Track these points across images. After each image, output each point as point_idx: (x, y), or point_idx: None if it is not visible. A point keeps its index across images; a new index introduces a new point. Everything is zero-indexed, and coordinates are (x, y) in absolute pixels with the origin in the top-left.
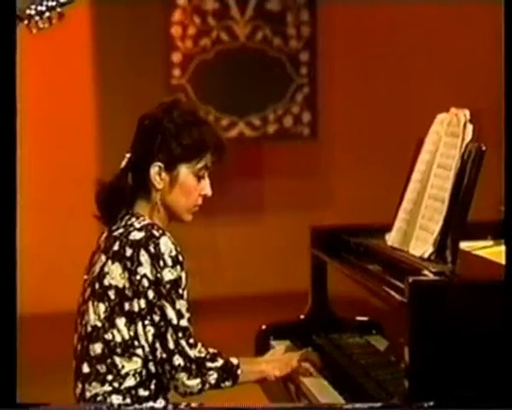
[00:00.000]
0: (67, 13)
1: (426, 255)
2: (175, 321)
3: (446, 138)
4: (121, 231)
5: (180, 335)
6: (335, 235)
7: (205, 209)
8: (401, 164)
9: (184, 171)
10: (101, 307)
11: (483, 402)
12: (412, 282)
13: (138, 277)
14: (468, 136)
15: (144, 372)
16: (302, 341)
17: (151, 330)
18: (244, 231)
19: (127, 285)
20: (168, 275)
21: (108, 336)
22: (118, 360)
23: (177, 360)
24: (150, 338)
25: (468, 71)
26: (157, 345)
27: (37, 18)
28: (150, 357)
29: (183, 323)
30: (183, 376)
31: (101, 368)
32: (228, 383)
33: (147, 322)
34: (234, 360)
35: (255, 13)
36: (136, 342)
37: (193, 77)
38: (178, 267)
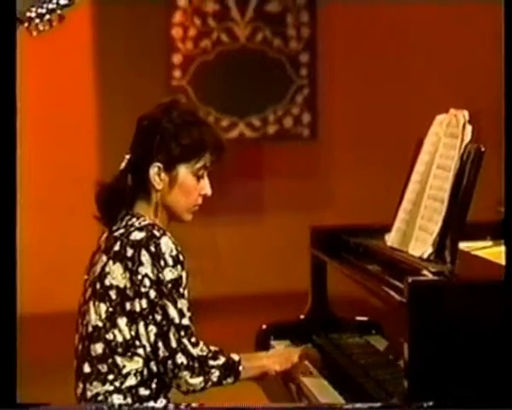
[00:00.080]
0: (68, 14)
1: (425, 256)
2: (177, 320)
3: (445, 139)
4: (122, 231)
5: (182, 333)
6: (335, 235)
7: (205, 209)
8: (401, 164)
9: (184, 171)
10: (103, 307)
11: (482, 402)
12: (411, 282)
13: (139, 277)
14: (468, 137)
15: (145, 372)
16: (302, 341)
17: (153, 329)
18: (244, 232)
19: (128, 285)
20: (169, 274)
21: (110, 336)
22: (119, 359)
23: (180, 359)
24: (152, 338)
25: (468, 71)
26: (159, 344)
27: (37, 20)
28: (152, 356)
29: (185, 322)
30: (185, 374)
31: (103, 368)
32: (230, 380)
33: (148, 322)
34: (235, 357)
35: (255, 14)
36: (137, 342)
37: (193, 78)
38: (179, 267)
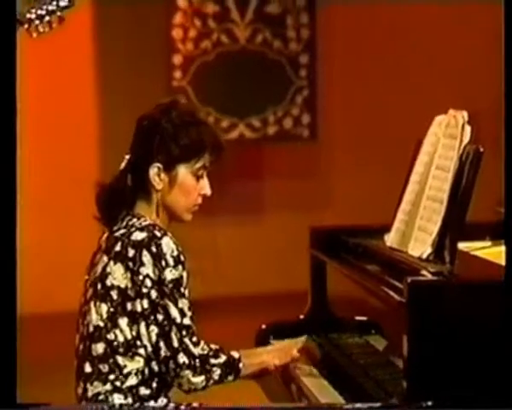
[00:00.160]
0: (69, 15)
1: (424, 256)
2: (178, 320)
3: (444, 140)
4: (123, 231)
5: (184, 333)
6: (335, 235)
7: (206, 210)
8: (400, 165)
9: (183, 171)
10: (104, 308)
11: (481, 402)
12: (411, 282)
13: (141, 277)
14: (466, 137)
15: (146, 371)
16: None
17: (155, 329)
18: (244, 232)
19: (129, 285)
20: (170, 275)
21: (111, 336)
22: (120, 359)
23: (182, 358)
24: (154, 338)
25: (468, 71)
26: (161, 344)
27: (37, 22)
28: (153, 356)
29: (186, 321)
30: (187, 373)
31: (104, 368)
32: (230, 378)
33: (150, 322)
34: (235, 355)
35: (255, 16)
36: (138, 342)
37: (194, 79)
38: (180, 267)
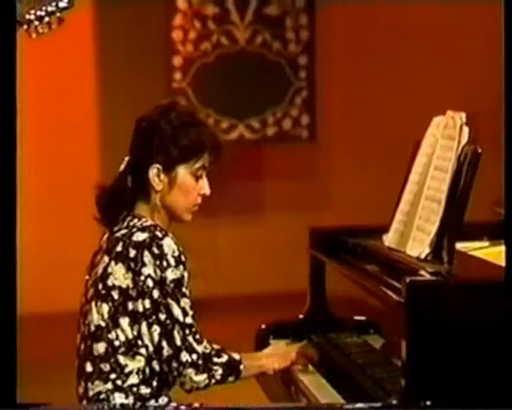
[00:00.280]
0: (69, 16)
1: (422, 256)
2: (181, 319)
3: (443, 141)
4: (124, 232)
5: (187, 332)
6: (334, 236)
7: (206, 211)
8: (399, 166)
9: (182, 171)
10: (105, 307)
11: (479, 402)
12: (409, 282)
13: (143, 277)
14: (464, 138)
15: (147, 370)
16: (301, 340)
17: (157, 329)
18: (244, 232)
19: (131, 285)
20: (172, 274)
21: (112, 336)
22: (121, 358)
23: (185, 357)
24: (156, 337)
25: (468, 71)
26: (163, 343)
27: (36, 23)
28: (154, 356)
29: (189, 320)
30: (190, 372)
31: (105, 367)
32: (231, 379)
33: (152, 321)
34: (236, 356)
35: (255, 17)
36: (139, 342)
37: (193, 80)
38: (181, 267)
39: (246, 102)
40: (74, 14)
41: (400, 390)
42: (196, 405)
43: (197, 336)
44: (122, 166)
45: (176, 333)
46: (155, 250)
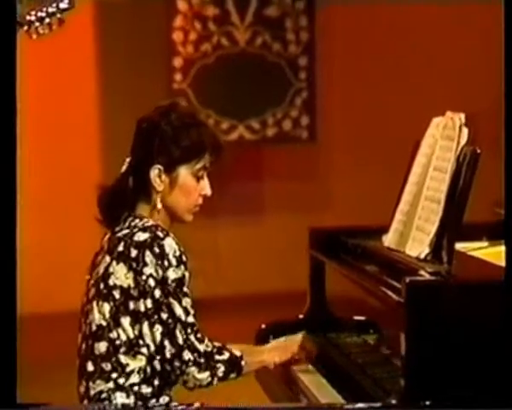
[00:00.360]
0: (70, 17)
1: (422, 256)
2: (183, 318)
3: (442, 141)
4: (125, 232)
5: (189, 330)
6: (334, 236)
7: (207, 211)
8: (399, 166)
9: (184, 172)
10: (106, 307)
11: (479, 402)
12: (409, 282)
13: (144, 277)
14: (464, 139)
15: (149, 369)
16: None
17: (159, 328)
18: (245, 233)
19: (132, 285)
20: (173, 274)
21: (113, 335)
22: (122, 358)
23: (187, 355)
24: (159, 337)
25: (468, 71)
26: (166, 343)
27: (37, 24)
28: (155, 355)
29: (190, 319)
30: (193, 370)
31: (106, 366)
32: (233, 375)
33: (154, 321)
34: (237, 352)
35: (255, 18)
36: (140, 341)
37: (194, 81)
38: (182, 267)
39: (246, 103)
40: (75, 15)
41: (400, 390)
42: (197, 405)
43: (199, 335)
44: (123, 167)
45: (178, 332)
46: (157, 250)
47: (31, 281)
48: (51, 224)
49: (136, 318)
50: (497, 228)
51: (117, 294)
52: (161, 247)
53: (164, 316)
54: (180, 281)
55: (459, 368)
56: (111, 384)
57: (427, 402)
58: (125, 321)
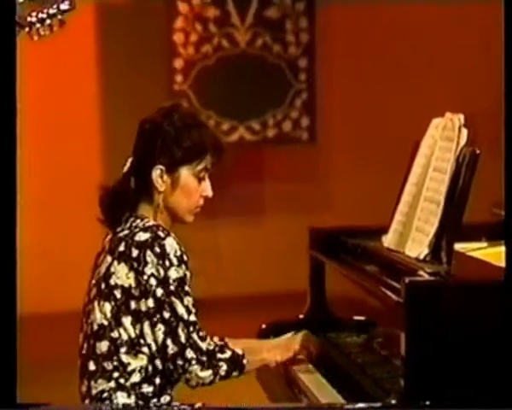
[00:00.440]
0: (71, 18)
1: (421, 256)
2: (185, 316)
3: (441, 142)
4: (126, 232)
5: (191, 329)
6: (333, 236)
7: (208, 212)
8: (399, 167)
9: (185, 173)
10: (107, 307)
11: (479, 402)
12: (408, 282)
13: (145, 277)
14: (463, 140)
15: (150, 368)
16: None
17: (161, 327)
18: (245, 233)
19: (133, 285)
20: (175, 273)
21: (115, 335)
22: (124, 357)
23: (190, 354)
24: (161, 336)
25: (468, 71)
26: (168, 342)
27: (38, 25)
28: (157, 354)
29: (192, 318)
30: (196, 368)
31: (108, 365)
32: (235, 374)
33: (156, 320)
34: (239, 351)
35: (255, 20)
36: (142, 341)
37: (194, 83)
38: (183, 266)
39: (246, 104)
40: (76, 16)
41: (399, 390)
42: (198, 405)
43: (201, 333)
44: (125, 168)
45: (180, 331)
46: (158, 250)
47: (31, 281)
48: (51, 224)
49: (138, 317)
50: (496, 229)
51: (118, 293)
52: (162, 247)
53: (166, 315)
54: (181, 280)
55: (458, 368)
56: (112, 384)
57: (427, 402)
58: (127, 321)
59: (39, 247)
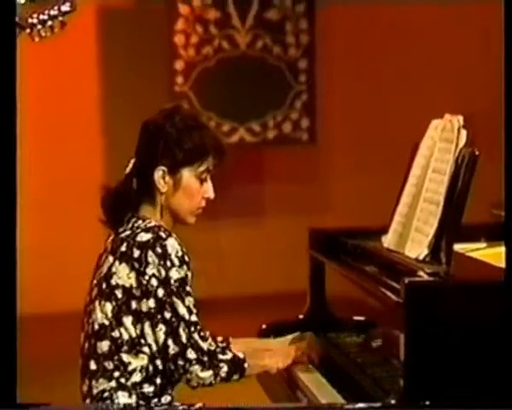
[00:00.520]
0: (72, 20)
1: (421, 257)
2: (187, 316)
3: (441, 144)
4: (128, 233)
5: (192, 329)
6: (333, 237)
7: (209, 213)
8: (399, 168)
9: (187, 174)
10: (109, 306)
11: (479, 402)
12: (408, 283)
13: (147, 277)
14: (462, 141)
15: (151, 368)
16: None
17: (162, 328)
18: (246, 234)
19: (135, 285)
20: (176, 274)
21: (116, 334)
22: (125, 356)
23: (191, 354)
24: (162, 336)
25: (468, 72)
26: (169, 342)
27: (39, 26)
28: (158, 354)
29: (194, 318)
30: (197, 369)
31: (109, 365)
32: (236, 377)
33: (157, 320)
34: (240, 354)
35: (255, 22)
36: (142, 341)
37: (195, 84)
38: (185, 267)
39: (246, 106)
40: (77, 17)
41: (399, 390)
42: (198, 405)
43: (202, 334)
44: (127, 169)
45: (181, 331)
46: (159, 250)
47: (31, 281)
48: (51, 224)
49: (138, 317)
50: (495, 229)
51: (119, 293)
52: (164, 247)
53: (167, 315)
54: (183, 281)
55: (458, 368)
56: (113, 383)
57: (427, 402)
58: (127, 320)
59: (40, 247)
